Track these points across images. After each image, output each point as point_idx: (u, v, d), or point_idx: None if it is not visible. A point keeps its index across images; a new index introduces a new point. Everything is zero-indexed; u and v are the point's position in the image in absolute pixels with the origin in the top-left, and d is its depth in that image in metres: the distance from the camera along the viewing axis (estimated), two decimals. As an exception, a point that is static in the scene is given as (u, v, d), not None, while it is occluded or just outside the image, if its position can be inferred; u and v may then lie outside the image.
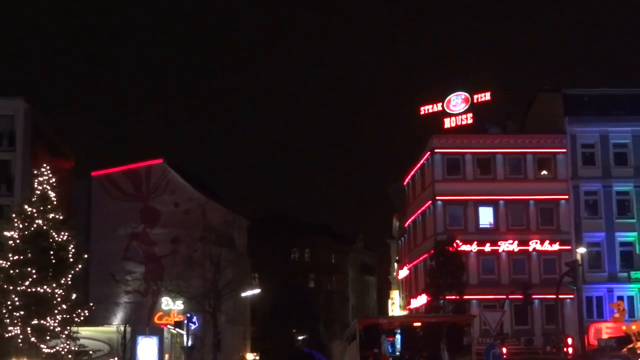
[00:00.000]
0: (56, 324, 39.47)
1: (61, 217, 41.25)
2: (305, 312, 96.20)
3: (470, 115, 69.45)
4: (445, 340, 34.34)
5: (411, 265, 77.14)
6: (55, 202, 40.98)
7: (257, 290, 79.10)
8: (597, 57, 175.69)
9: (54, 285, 39.45)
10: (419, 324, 37.41)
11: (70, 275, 40.50)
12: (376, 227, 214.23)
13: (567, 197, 67.26)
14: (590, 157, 67.95)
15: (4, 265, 39.40)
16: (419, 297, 68.09)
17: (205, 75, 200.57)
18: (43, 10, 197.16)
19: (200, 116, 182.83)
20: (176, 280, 67.29)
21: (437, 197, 67.45)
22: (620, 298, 64.44)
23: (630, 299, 65.53)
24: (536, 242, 66.28)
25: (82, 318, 41.06)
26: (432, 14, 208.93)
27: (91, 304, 45.86)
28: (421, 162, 71.97)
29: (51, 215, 40.51)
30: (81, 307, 41.48)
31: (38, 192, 40.80)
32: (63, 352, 40.25)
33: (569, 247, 65.20)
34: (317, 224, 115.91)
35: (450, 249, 59.69)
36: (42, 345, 39.28)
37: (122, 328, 58.32)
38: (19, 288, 38.89)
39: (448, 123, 69.74)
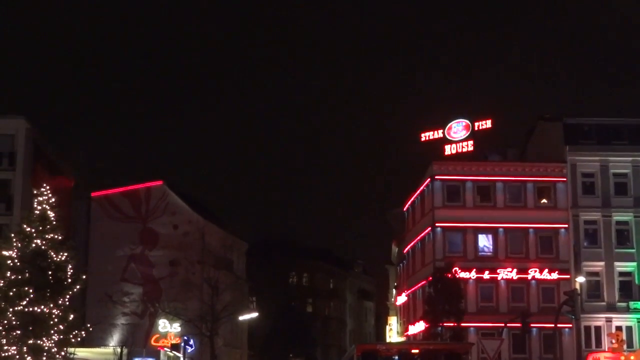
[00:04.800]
0: (53, 345, 39.28)
1: (60, 237, 41.14)
2: (303, 337, 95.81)
3: (470, 142, 69.48)
4: (443, 368, 34.25)
5: (409, 291, 76.95)
6: (54, 222, 40.87)
7: (254, 314, 78.90)
8: (597, 86, 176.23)
9: (52, 305, 39.31)
10: (417, 350, 37.35)
11: (68, 296, 40.37)
12: (375, 253, 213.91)
13: (566, 226, 67.23)
14: (590, 186, 67.95)
15: (1, 284, 39.29)
16: (417, 323, 67.86)
17: (206, 99, 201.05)
18: (44, 30, 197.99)
19: (200, 139, 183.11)
20: (174, 303, 67.16)
21: (437, 224, 67.39)
22: (619, 328, 64.26)
23: (629, 329, 65.33)
24: (535, 271, 66.19)
25: (78, 339, 40.89)
26: (435, 42, 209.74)
27: (88, 325, 45.65)
28: (421, 188, 71.97)
29: (50, 235, 40.41)
30: (78, 327, 41.28)
31: (37, 212, 40.72)
32: (59, 373, 40.06)
33: (568, 276, 65.19)
34: (316, 249, 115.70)
35: (449, 275, 59.54)
36: (38, 366, 39.08)
37: (118, 350, 58.14)
38: (16, 308, 38.76)
39: (449, 150, 69.77)
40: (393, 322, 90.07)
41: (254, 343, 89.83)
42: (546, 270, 66.14)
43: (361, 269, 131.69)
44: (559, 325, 52.04)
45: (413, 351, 37.23)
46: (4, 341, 38.58)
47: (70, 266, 40.79)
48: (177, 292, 67.94)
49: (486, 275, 66.06)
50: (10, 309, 38.78)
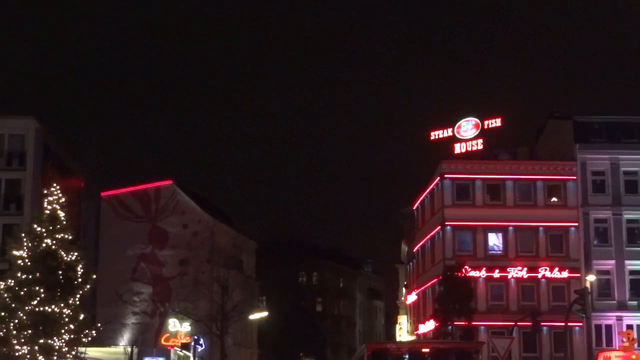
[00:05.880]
0: (63, 344, 39.36)
1: (70, 237, 41.21)
2: (313, 336, 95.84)
3: (480, 141, 69.27)
4: (453, 367, 34.10)
5: (419, 290, 76.89)
6: (64, 222, 40.94)
7: (264, 313, 78.97)
8: (608, 84, 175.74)
9: (62, 305, 39.39)
10: (427, 349, 37.10)
11: (78, 295, 40.45)
12: (384, 252, 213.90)
13: (577, 224, 67.06)
14: (600, 184, 67.78)
15: (12, 284, 39.40)
16: (427, 322, 67.81)
17: (216, 97, 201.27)
18: (54, 30, 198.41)
19: (210, 138, 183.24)
20: (183, 302, 67.24)
21: (447, 223, 67.30)
22: (630, 326, 63.92)
23: (640, 327, 65.16)
24: (545, 269, 66.04)
25: (89, 338, 40.96)
26: (444, 40, 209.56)
27: (98, 325, 45.78)
28: (431, 187, 71.88)
29: (60, 235, 40.48)
30: (88, 327, 41.38)
31: (48, 212, 40.78)
32: (70, 373, 40.12)
33: (579, 275, 64.99)
34: (326, 248, 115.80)
35: (459, 274, 59.47)
36: (49, 365, 39.15)
37: (129, 349, 58.18)
38: (27, 307, 38.85)
39: (458, 148, 69.57)
40: (403, 321, 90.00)
41: (263, 342, 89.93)
42: (556, 268, 65.97)
43: (371, 268, 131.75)
44: (569, 323, 51.86)
45: (423, 350, 36.95)
46: (15, 341, 38.67)
47: (80, 266, 40.88)
48: (187, 291, 68.05)
49: (496, 274, 65.91)
50: (21, 309, 38.88)
